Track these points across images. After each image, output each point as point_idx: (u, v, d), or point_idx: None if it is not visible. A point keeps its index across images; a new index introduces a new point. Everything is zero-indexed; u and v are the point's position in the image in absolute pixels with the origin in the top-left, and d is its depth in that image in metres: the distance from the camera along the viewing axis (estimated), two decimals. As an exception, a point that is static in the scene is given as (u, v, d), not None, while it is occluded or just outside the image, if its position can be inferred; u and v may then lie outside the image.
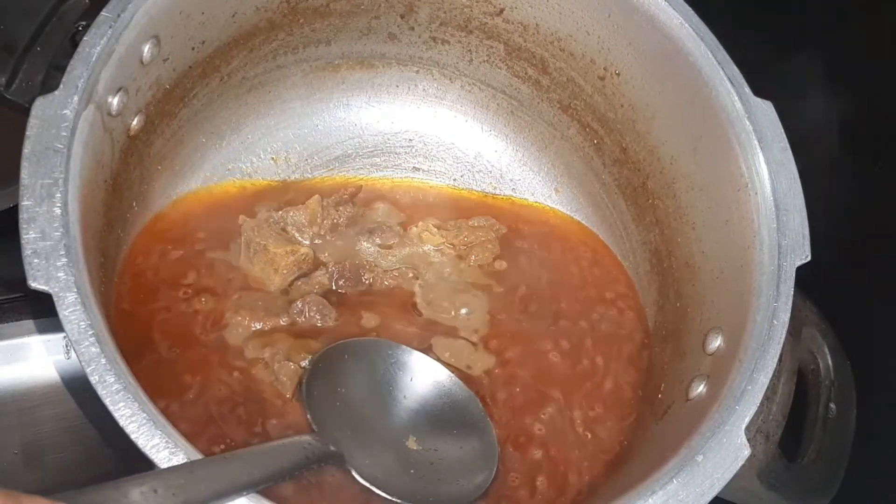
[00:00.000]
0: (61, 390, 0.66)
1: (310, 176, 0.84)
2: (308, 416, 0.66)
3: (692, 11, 0.71)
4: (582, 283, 0.82)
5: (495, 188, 0.88)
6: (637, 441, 0.70)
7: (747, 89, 0.68)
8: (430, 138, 0.89)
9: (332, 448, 0.63)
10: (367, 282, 0.76)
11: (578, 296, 0.81)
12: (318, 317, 0.72)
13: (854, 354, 0.78)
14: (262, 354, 0.69)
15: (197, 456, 0.50)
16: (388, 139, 0.88)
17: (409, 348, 0.72)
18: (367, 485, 0.63)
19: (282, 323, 0.71)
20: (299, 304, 0.72)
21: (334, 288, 0.75)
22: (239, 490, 0.50)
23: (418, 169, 0.87)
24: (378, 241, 0.79)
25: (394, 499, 0.63)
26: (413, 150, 0.88)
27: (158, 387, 0.62)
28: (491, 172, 0.88)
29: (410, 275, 0.78)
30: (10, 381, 0.65)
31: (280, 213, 0.76)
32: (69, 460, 0.66)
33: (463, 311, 0.77)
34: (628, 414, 0.72)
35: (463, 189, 0.87)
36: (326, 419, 0.66)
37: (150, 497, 0.46)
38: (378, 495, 0.63)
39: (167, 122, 0.73)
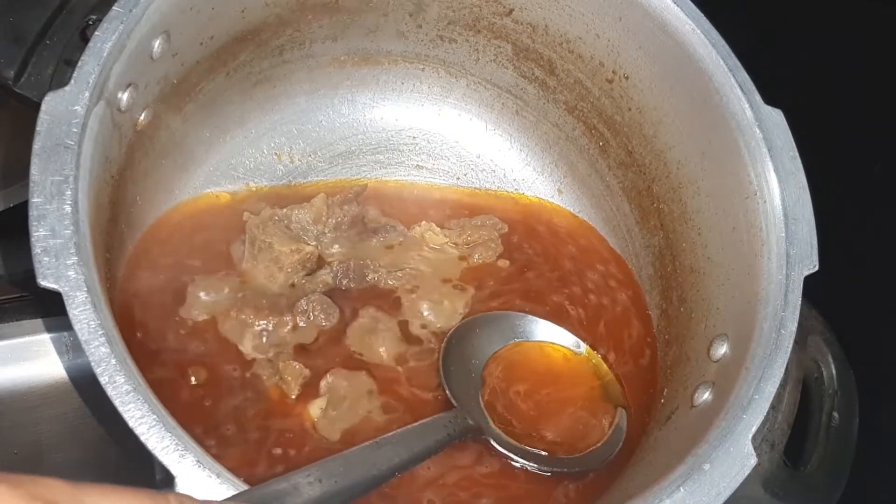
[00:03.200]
0: (61, 390, 0.65)
1: (313, 175, 0.83)
2: (447, 392, 0.69)
3: (704, 17, 0.70)
4: (583, 283, 0.82)
5: (498, 187, 0.88)
6: (640, 446, 0.70)
7: (758, 97, 0.68)
8: (434, 136, 0.89)
9: (470, 422, 0.66)
10: (371, 281, 0.76)
11: (579, 295, 0.81)
12: (323, 316, 0.72)
13: (856, 363, 0.78)
14: (266, 353, 0.69)
15: (206, 458, 0.50)
16: (392, 136, 0.88)
17: (535, 317, 0.76)
18: (507, 453, 0.67)
19: (286, 321, 0.71)
20: (303, 302, 0.71)
21: (338, 287, 0.75)
22: (392, 472, 0.56)
23: (422, 167, 0.87)
24: (382, 240, 0.78)
25: (530, 465, 0.68)
26: (417, 148, 0.88)
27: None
28: (494, 171, 0.88)
29: (414, 274, 0.77)
30: (10, 381, 0.65)
31: (285, 210, 0.76)
32: (69, 460, 0.66)
33: (465, 310, 0.77)
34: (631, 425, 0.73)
35: (466, 188, 0.87)
36: (462, 393, 0.70)
37: (316, 486, 0.50)
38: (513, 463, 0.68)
39: (173, 117, 0.72)
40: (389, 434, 0.61)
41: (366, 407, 0.69)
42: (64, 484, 0.37)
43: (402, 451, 0.59)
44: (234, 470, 0.51)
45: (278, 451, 0.65)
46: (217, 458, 0.51)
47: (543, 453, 0.69)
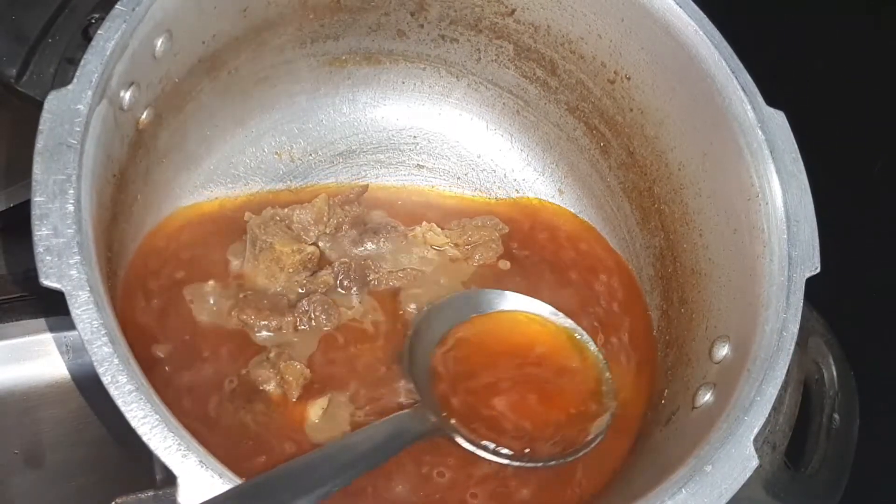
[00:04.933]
0: (61, 390, 0.65)
1: (314, 174, 0.83)
2: (412, 387, 0.68)
3: (706, 18, 0.70)
4: (584, 284, 0.81)
5: (499, 187, 0.87)
6: (641, 447, 0.70)
7: (760, 99, 0.68)
8: (434, 136, 0.88)
9: (432, 419, 0.65)
10: (372, 281, 0.75)
11: (580, 295, 0.80)
12: (324, 317, 0.71)
13: (857, 365, 0.78)
14: (267, 354, 0.69)
15: (208, 458, 0.50)
16: (393, 136, 0.88)
17: (499, 291, 0.74)
18: (474, 449, 0.65)
19: (287, 321, 0.71)
20: (304, 303, 0.71)
21: (339, 287, 0.74)
22: (340, 482, 0.55)
23: (422, 166, 0.87)
24: (383, 240, 0.78)
25: (502, 460, 0.66)
26: (417, 148, 0.88)
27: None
28: (495, 171, 0.88)
29: (415, 275, 0.77)
30: (11, 381, 0.65)
31: (286, 211, 0.75)
32: (70, 460, 0.66)
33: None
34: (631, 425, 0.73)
35: (466, 188, 0.87)
36: (424, 387, 0.68)
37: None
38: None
39: (174, 116, 0.72)
40: (335, 443, 0.60)
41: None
42: None
43: (353, 457, 0.58)
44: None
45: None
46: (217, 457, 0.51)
47: (507, 451, 0.66)
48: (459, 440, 0.66)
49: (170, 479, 0.49)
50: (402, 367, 0.70)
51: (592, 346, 0.74)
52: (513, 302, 0.74)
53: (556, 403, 0.71)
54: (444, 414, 0.67)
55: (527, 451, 0.67)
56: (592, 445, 0.68)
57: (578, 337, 0.74)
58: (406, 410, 0.66)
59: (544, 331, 0.74)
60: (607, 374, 0.73)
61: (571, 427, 0.69)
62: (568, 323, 0.74)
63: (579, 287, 0.81)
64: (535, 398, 0.70)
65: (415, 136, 0.88)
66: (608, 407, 0.71)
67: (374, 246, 0.78)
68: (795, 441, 0.73)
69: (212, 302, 0.71)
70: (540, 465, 0.67)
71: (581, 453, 0.68)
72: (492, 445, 0.66)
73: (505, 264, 0.81)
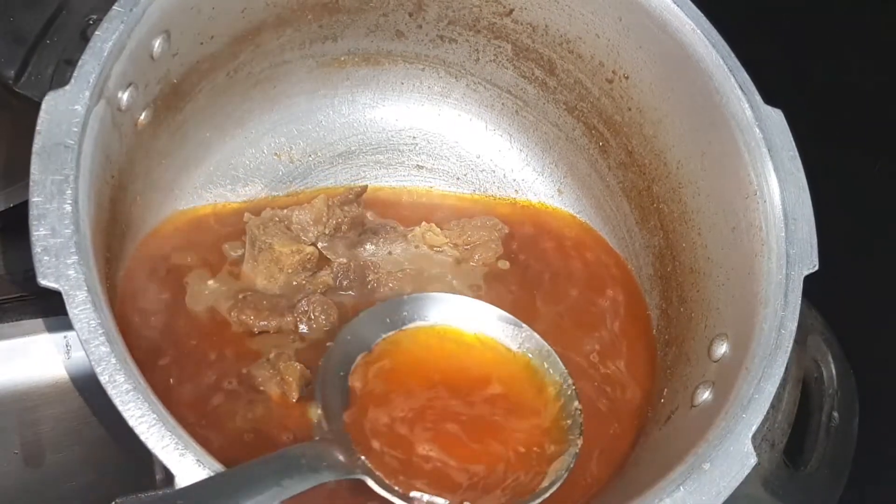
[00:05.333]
0: (61, 390, 0.65)
1: (313, 175, 0.83)
2: (320, 413, 0.59)
3: (704, 17, 0.71)
4: (583, 283, 0.81)
5: (498, 188, 0.87)
6: (640, 445, 0.70)
7: (758, 97, 0.68)
8: (433, 136, 0.89)
9: (340, 457, 0.55)
10: (371, 282, 0.76)
11: (581, 295, 0.80)
12: (323, 317, 0.71)
13: (856, 362, 0.78)
14: (266, 354, 0.69)
15: (206, 457, 0.50)
16: (392, 136, 0.88)
17: (441, 294, 0.65)
18: (388, 495, 0.55)
19: (286, 322, 0.71)
20: (304, 304, 0.71)
21: (339, 288, 0.75)
22: None
23: (422, 167, 0.87)
24: (382, 241, 0.78)
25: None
26: (417, 148, 0.88)
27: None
28: (494, 172, 0.88)
29: (414, 275, 0.77)
30: (10, 381, 0.65)
31: (285, 211, 0.76)
32: (69, 460, 0.66)
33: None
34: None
35: (465, 188, 0.87)
36: (338, 413, 0.58)
37: None
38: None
39: (173, 117, 0.72)
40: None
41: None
42: None
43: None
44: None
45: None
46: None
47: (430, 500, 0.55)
48: (374, 486, 0.55)
49: (168, 479, 0.50)
50: (314, 385, 0.60)
51: (555, 370, 0.64)
52: (459, 310, 0.64)
53: (505, 441, 0.61)
54: (357, 450, 0.57)
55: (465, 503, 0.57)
56: (549, 493, 0.59)
57: (536, 361, 0.64)
58: (302, 444, 0.57)
59: (496, 352, 0.65)
60: (575, 404, 0.63)
61: (523, 470, 0.60)
62: (530, 343, 0.64)
63: (579, 287, 0.81)
64: (478, 435, 0.61)
65: (414, 137, 0.88)
66: (571, 444, 0.62)
67: (373, 246, 0.78)
68: (794, 439, 0.73)
69: (211, 303, 0.71)
70: None
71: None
72: (423, 497, 0.56)
73: (504, 265, 0.81)
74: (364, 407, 0.60)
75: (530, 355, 0.66)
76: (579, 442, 0.62)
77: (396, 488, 0.56)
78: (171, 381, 0.66)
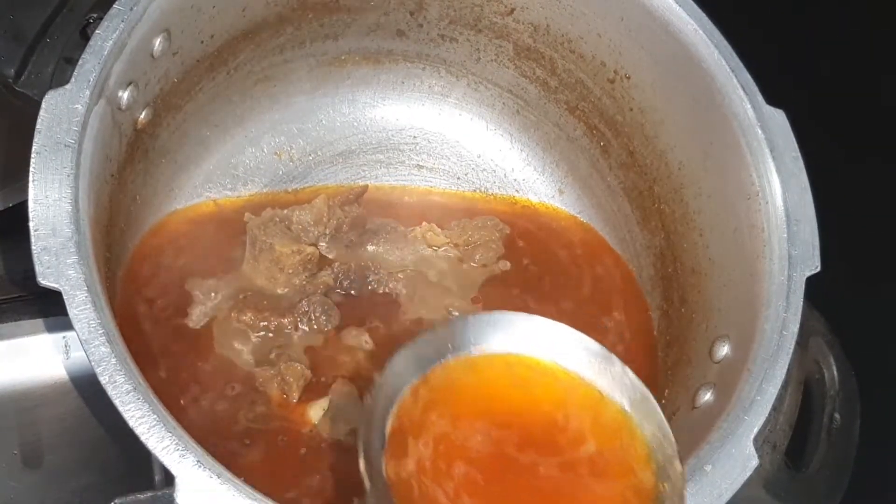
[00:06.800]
0: (61, 390, 0.65)
1: (313, 174, 0.83)
2: (360, 468, 0.48)
3: (706, 17, 0.70)
4: (584, 284, 0.81)
5: (499, 187, 0.87)
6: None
7: (760, 97, 0.68)
8: (434, 136, 0.88)
9: None
10: (371, 282, 0.75)
11: (581, 296, 0.80)
12: (324, 318, 0.71)
13: (857, 364, 0.78)
14: (267, 355, 0.69)
15: (206, 457, 0.50)
16: (393, 136, 0.88)
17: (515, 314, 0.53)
18: None
19: (286, 322, 0.71)
20: (304, 304, 0.71)
21: (339, 289, 0.74)
22: None
23: (422, 166, 0.87)
24: (382, 241, 0.78)
25: None
26: (417, 148, 0.88)
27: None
28: (495, 171, 0.88)
29: (415, 275, 0.77)
30: (10, 381, 0.65)
31: (286, 211, 0.75)
32: (68, 460, 0.65)
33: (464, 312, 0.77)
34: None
35: (466, 188, 0.87)
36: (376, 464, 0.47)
37: None
38: None
39: (173, 116, 0.72)
40: None
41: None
42: None
43: None
44: (234, 471, 0.50)
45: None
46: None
47: None
48: None
49: (168, 480, 0.49)
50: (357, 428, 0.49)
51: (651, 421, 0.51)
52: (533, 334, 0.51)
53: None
54: None
55: None
56: None
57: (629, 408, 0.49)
58: None
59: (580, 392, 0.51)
60: (676, 465, 0.49)
61: None
62: (627, 381, 0.50)
63: (579, 288, 0.81)
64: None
65: (414, 136, 0.88)
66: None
67: (373, 247, 0.78)
68: (796, 441, 0.73)
69: (211, 303, 0.71)
70: None
71: None
72: None
73: (505, 265, 0.80)
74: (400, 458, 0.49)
75: (625, 402, 0.52)
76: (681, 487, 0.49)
77: None
78: (171, 379, 0.65)
